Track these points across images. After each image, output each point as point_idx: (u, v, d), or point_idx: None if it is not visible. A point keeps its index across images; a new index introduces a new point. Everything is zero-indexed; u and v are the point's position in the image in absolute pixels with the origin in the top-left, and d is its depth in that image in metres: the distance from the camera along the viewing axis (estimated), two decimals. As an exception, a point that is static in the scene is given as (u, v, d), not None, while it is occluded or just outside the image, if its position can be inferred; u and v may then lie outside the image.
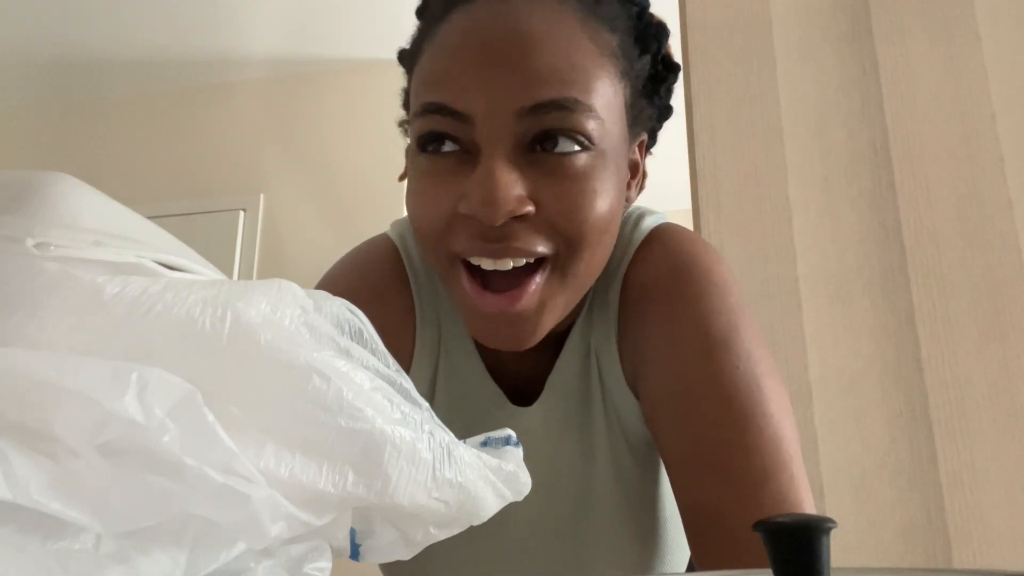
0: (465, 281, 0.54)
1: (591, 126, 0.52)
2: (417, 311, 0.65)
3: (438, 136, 0.53)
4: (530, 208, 0.51)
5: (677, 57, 0.63)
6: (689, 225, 0.81)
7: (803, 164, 1.17)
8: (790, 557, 0.22)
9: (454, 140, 0.52)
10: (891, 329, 1.09)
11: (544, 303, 0.54)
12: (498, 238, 0.51)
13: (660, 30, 0.60)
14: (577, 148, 0.52)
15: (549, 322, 0.55)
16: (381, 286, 0.65)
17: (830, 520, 0.22)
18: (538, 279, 0.53)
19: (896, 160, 1.14)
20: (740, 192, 1.16)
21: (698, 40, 1.23)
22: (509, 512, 0.63)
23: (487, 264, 0.53)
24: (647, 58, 0.58)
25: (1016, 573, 0.23)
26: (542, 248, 0.52)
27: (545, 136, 0.51)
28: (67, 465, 0.23)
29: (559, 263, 0.54)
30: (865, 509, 1.03)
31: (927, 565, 1.00)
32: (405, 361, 0.64)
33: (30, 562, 0.22)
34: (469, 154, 0.52)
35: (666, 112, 0.64)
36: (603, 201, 0.53)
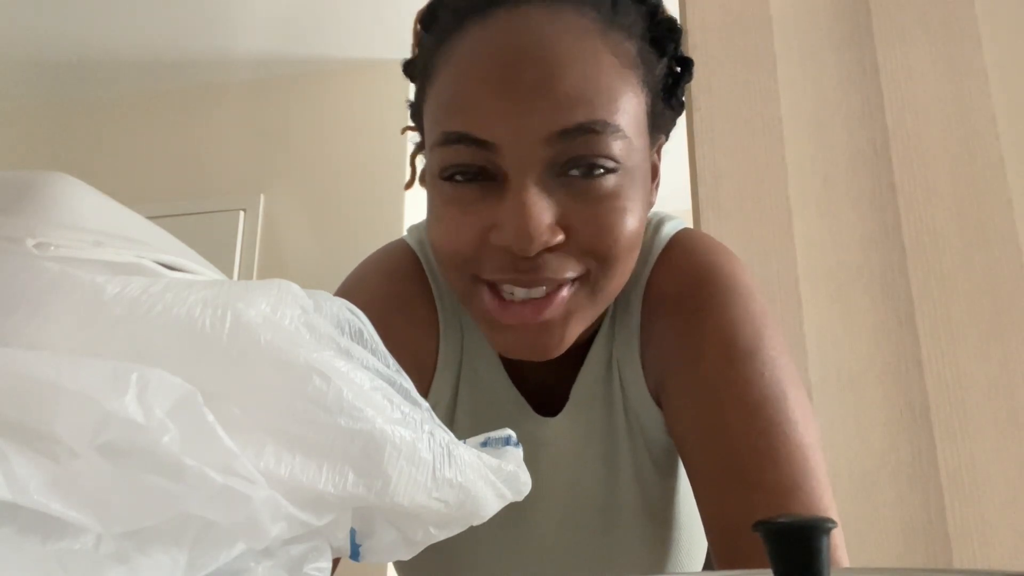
0: (487, 297, 0.53)
1: (619, 147, 0.51)
2: (440, 321, 0.64)
3: (462, 167, 0.51)
4: (562, 237, 0.51)
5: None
6: (689, 225, 0.81)
7: (803, 164, 1.17)
8: (790, 557, 0.22)
9: (479, 168, 0.51)
10: (891, 329, 1.09)
11: (570, 314, 0.53)
12: (530, 269, 0.51)
13: (673, 29, 0.58)
14: (605, 170, 0.51)
15: (575, 332, 0.55)
16: (405, 297, 0.64)
17: (830, 520, 0.22)
18: (565, 292, 0.53)
19: (896, 160, 1.14)
20: (740, 192, 1.16)
21: (698, 40, 1.23)
22: (533, 517, 0.64)
23: (520, 293, 0.52)
24: (664, 61, 0.57)
25: (1016, 573, 0.23)
26: (572, 273, 0.52)
27: (574, 161, 0.50)
28: (67, 465, 0.23)
29: (589, 280, 0.53)
30: (865, 509, 1.03)
31: (927, 565, 1.00)
32: (428, 371, 0.63)
33: (30, 562, 0.22)
34: (495, 181, 0.51)
35: (680, 109, 0.62)
36: (632, 218, 0.52)
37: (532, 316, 0.52)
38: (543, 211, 0.49)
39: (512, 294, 0.53)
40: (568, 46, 0.50)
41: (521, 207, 0.49)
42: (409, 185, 0.68)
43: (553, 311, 0.52)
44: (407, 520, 0.32)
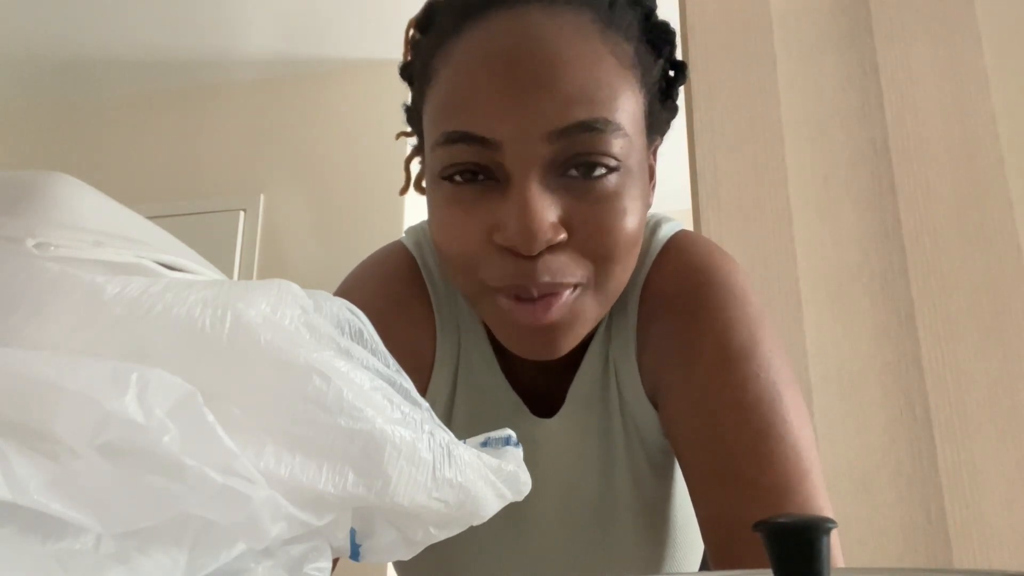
0: (502, 300, 0.53)
1: (619, 145, 0.51)
2: (437, 322, 0.64)
3: (464, 167, 0.51)
4: (564, 235, 0.51)
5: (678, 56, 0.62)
6: (689, 225, 0.81)
7: (803, 164, 1.17)
8: (790, 557, 0.22)
9: (481, 169, 0.51)
10: (891, 329, 1.09)
11: (576, 315, 0.54)
12: (532, 271, 0.51)
13: (668, 31, 0.58)
14: (607, 170, 0.51)
15: (580, 333, 0.55)
16: (403, 298, 0.64)
17: (830, 520, 0.22)
18: (568, 292, 0.53)
19: (896, 160, 1.14)
20: (740, 192, 1.16)
21: (698, 40, 1.23)
22: (531, 518, 0.64)
23: (523, 293, 0.52)
24: (660, 62, 0.57)
25: (1016, 573, 0.23)
26: (572, 278, 0.52)
27: (575, 159, 0.50)
28: (67, 465, 0.23)
29: (591, 284, 0.53)
30: (865, 509, 1.03)
31: (927, 565, 1.00)
32: (425, 372, 0.64)
33: (30, 562, 0.22)
34: (496, 180, 0.51)
35: (675, 111, 0.63)
36: (632, 218, 0.53)
37: (540, 316, 0.52)
38: (546, 208, 0.50)
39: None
40: (568, 45, 0.50)
41: (524, 205, 0.49)
42: (404, 190, 0.68)
43: (559, 311, 0.52)
44: (407, 520, 0.32)
